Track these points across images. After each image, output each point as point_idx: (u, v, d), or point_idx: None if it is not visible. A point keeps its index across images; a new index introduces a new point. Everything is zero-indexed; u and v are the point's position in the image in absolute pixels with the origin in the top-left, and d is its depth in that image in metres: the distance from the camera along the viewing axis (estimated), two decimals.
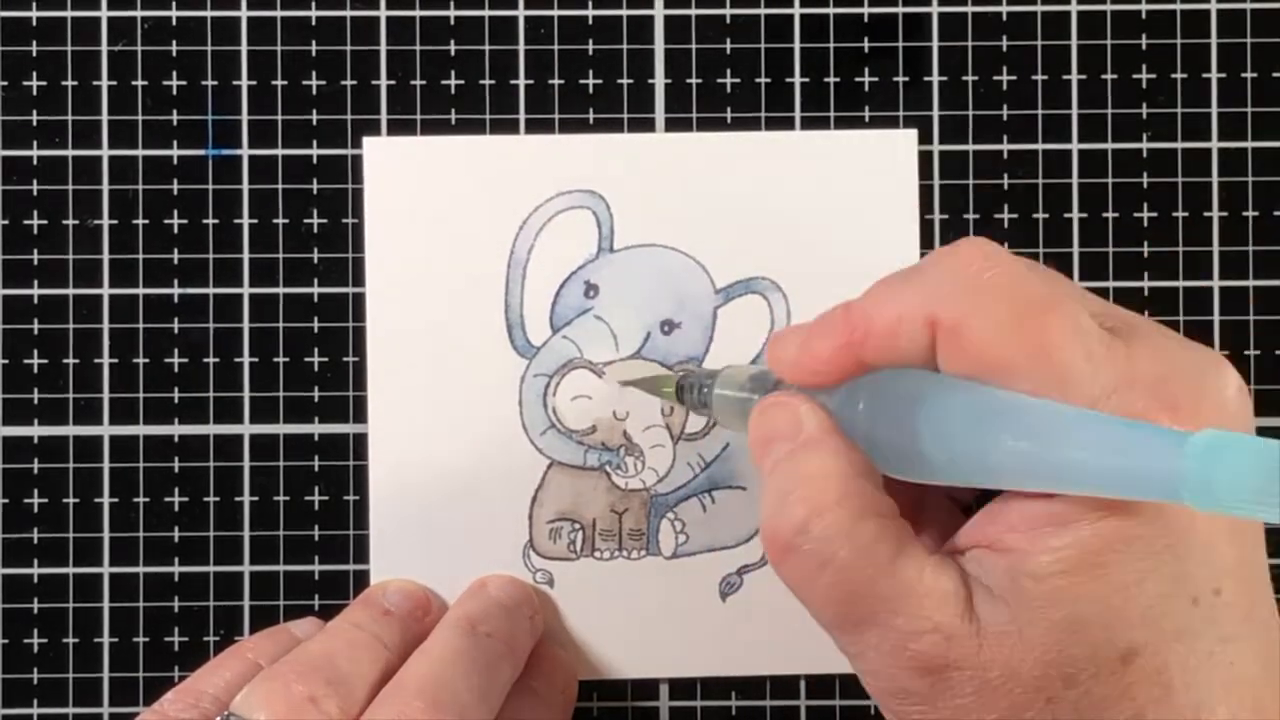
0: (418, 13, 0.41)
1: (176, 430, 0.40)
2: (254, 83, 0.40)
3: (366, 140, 0.40)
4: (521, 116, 0.41)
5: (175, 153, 0.41)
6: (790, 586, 0.29)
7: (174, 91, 0.41)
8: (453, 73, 0.41)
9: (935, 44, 0.41)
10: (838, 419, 0.30)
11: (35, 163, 0.40)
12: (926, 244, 0.40)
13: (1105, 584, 0.26)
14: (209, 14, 0.40)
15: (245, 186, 0.40)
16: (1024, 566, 0.27)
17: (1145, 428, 0.25)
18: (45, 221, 0.40)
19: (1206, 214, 0.41)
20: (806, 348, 0.30)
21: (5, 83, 0.41)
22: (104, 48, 0.41)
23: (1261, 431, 0.40)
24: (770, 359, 0.31)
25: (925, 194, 0.40)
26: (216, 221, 0.40)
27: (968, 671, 0.27)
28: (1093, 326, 0.27)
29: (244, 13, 0.40)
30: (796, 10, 0.41)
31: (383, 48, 0.41)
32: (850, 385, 0.30)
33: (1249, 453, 0.23)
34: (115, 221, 0.40)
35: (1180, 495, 0.23)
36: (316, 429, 0.40)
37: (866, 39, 0.41)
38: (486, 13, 0.41)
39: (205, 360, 0.40)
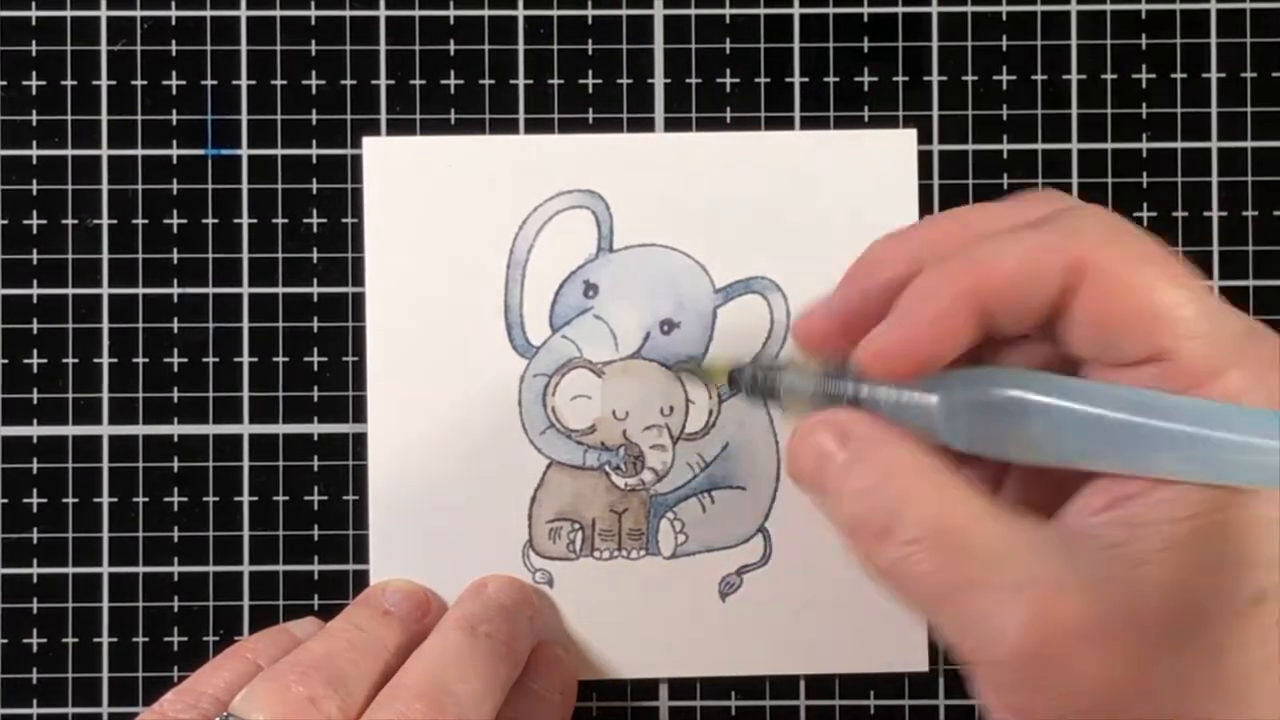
0: (418, 13, 0.41)
1: (176, 430, 0.40)
2: (254, 83, 0.40)
3: (366, 140, 0.40)
4: (521, 116, 0.41)
5: (175, 152, 0.41)
6: (885, 573, 0.28)
7: (174, 91, 0.41)
8: (452, 73, 0.41)
9: (935, 44, 0.41)
10: (932, 430, 0.28)
11: (35, 162, 0.40)
12: None
13: (1247, 519, 0.26)
14: (209, 14, 0.40)
15: (245, 186, 0.40)
16: (1159, 512, 0.26)
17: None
18: (45, 221, 0.40)
19: (1206, 214, 0.41)
20: (912, 320, 0.28)
21: (5, 83, 0.40)
22: (104, 48, 0.41)
23: None
24: (870, 354, 0.29)
25: (925, 194, 0.40)
26: (216, 221, 0.40)
27: (1082, 621, 0.26)
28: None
29: (244, 13, 0.40)
30: (796, 10, 0.41)
31: (382, 48, 0.41)
32: (941, 393, 0.28)
33: None
34: (115, 221, 0.40)
35: None
36: (316, 429, 0.40)
37: (866, 39, 0.41)
38: (486, 13, 0.41)
39: (205, 360, 0.40)
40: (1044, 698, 0.27)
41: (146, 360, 0.40)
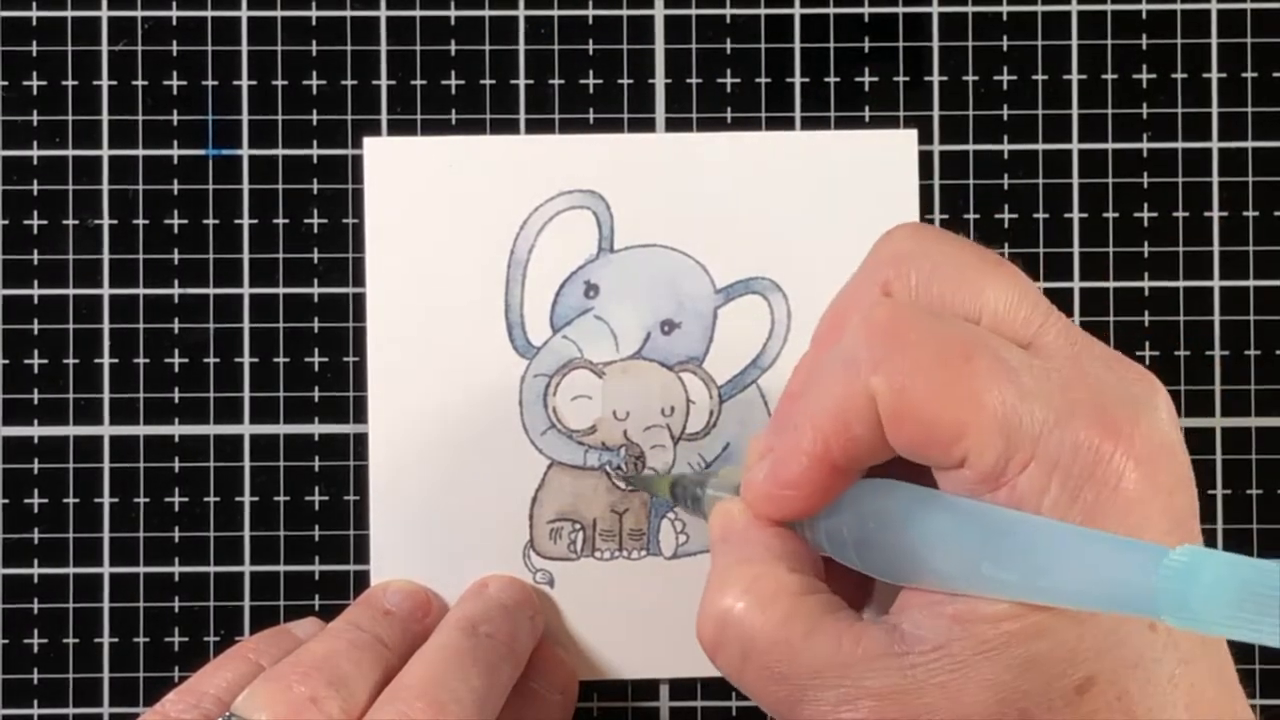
0: (418, 13, 0.41)
1: (176, 430, 0.40)
2: (254, 83, 0.40)
3: (367, 140, 0.40)
4: (521, 116, 0.41)
5: (175, 153, 0.41)
6: (729, 680, 0.30)
7: (174, 91, 0.41)
8: (453, 73, 0.41)
9: (935, 44, 0.41)
10: (829, 540, 0.30)
11: (35, 163, 0.40)
12: None
13: (1062, 620, 0.26)
14: (209, 14, 0.40)
15: (245, 186, 0.40)
16: (976, 613, 0.27)
17: (1123, 544, 0.25)
18: (45, 221, 0.40)
19: (1206, 214, 0.41)
20: (776, 481, 0.30)
21: (5, 83, 0.40)
22: (104, 48, 0.41)
23: (1261, 432, 0.41)
24: (748, 502, 0.31)
25: (925, 194, 0.40)
26: (216, 221, 0.40)
27: None
28: (1019, 358, 0.27)
29: (244, 13, 0.40)
30: (796, 10, 0.41)
31: (383, 48, 0.41)
32: (833, 508, 0.30)
33: (1226, 571, 0.22)
34: (115, 221, 0.40)
35: (1158, 612, 0.23)
36: (316, 429, 0.40)
37: (866, 39, 0.41)
38: (486, 13, 0.41)
39: (205, 360, 0.40)
40: None
41: (147, 360, 0.40)
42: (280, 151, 0.40)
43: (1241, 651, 0.28)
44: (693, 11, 0.41)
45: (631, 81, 0.41)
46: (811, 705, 0.28)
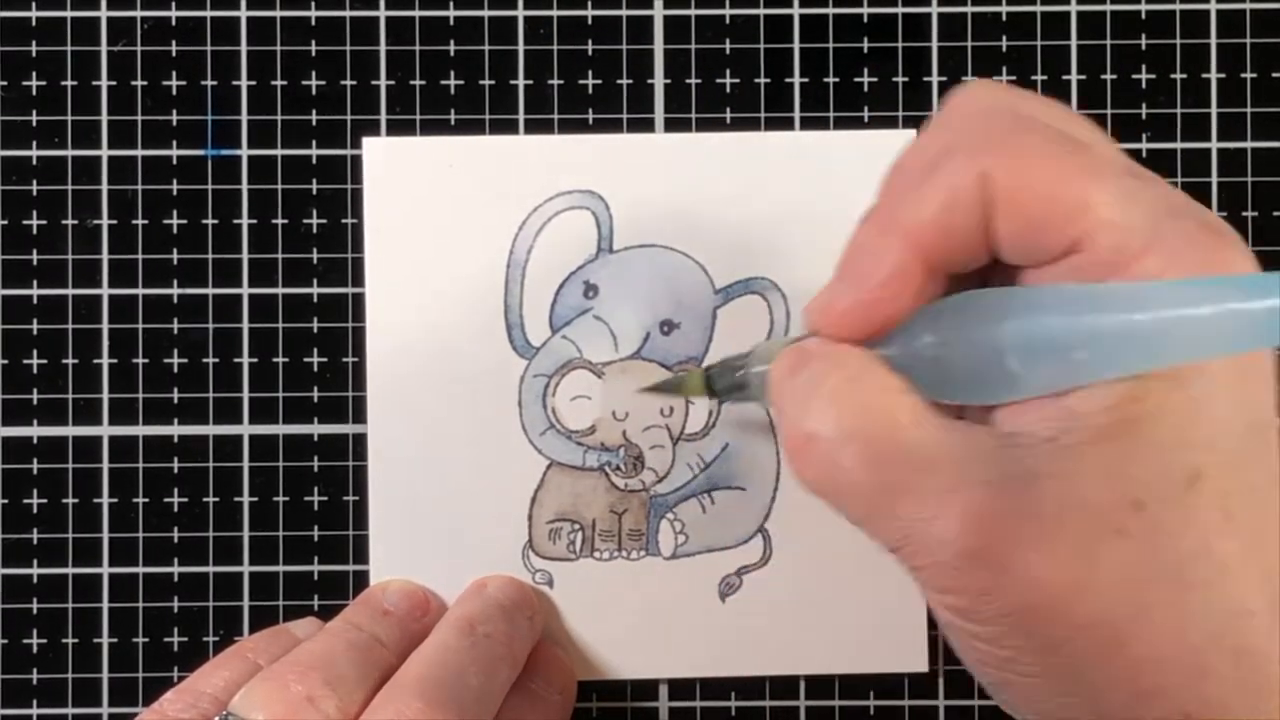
0: (417, 13, 0.41)
1: (176, 430, 0.40)
2: (253, 83, 0.41)
3: (366, 140, 0.40)
4: (521, 117, 0.41)
5: (174, 153, 0.41)
6: (816, 482, 0.28)
7: (174, 91, 0.41)
8: (452, 73, 0.41)
9: (935, 44, 0.41)
10: (900, 362, 0.28)
11: (35, 163, 0.41)
12: None
13: (1176, 404, 0.26)
14: (209, 14, 0.41)
15: (244, 186, 0.41)
16: (1088, 400, 0.26)
17: (1246, 279, 0.25)
18: (44, 221, 0.40)
19: None
20: (864, 284, 0.28)
21: (5, 83, 0.41)
22: (104, 48, 0.41)
23: None
24: (826, 325, 0.29)
25: None
26: (216, 222, 0.41)
27: (1021, 518, 0.26)
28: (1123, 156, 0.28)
29: (244, 13, 0.41)
30: (796, 10, 0.41)
31: (382, 48, 0.41)
32: (914, 325, 0.28)
33: None
34: (114, 221, 0.41)
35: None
36: (316, 429, 0.40)
37: (866, 39, 0.41)
38: (486, 13, 0.41)
39: (205, 360, 0.40)
40: (988, 599, 0.26)
41: (146, 361, 0.40)
42: (279, 152, 0.40)
43: None
44: (692, 12, 0.41)
45: (630, 82, 0.41)
46: (915, 496, 0.27)
